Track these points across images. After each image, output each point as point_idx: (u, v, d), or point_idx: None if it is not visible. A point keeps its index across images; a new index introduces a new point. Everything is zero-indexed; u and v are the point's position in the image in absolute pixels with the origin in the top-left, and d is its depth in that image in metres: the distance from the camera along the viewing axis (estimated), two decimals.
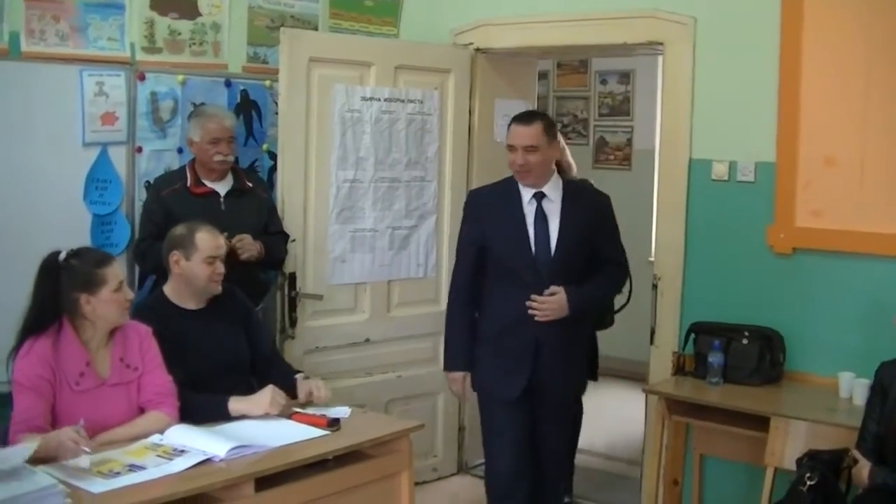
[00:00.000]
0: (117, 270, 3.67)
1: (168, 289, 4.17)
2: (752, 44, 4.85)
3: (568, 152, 5.41)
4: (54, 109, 4.68)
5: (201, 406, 3.84)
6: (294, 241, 5.14)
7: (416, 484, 4.03)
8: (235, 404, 3.86)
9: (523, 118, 4.31)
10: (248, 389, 4.09)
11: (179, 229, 4.15)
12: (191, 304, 4.14)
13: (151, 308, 4.14)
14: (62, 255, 3.63)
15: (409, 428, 3.92)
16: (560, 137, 4.87)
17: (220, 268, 4.11)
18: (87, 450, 3.18)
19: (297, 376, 4.17)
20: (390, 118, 5.49)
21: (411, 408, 5.58)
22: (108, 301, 3.61)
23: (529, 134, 4.22)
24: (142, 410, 3.72)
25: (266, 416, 3.84)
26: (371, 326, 5.56)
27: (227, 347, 4.16)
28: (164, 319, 4.02)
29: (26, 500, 2.89)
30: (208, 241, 4.08)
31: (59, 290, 3.58)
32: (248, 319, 4.34)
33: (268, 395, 3.89)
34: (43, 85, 4.62)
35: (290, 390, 4.06)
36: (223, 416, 3.84)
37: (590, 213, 4.37)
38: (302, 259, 5.23)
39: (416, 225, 5.67)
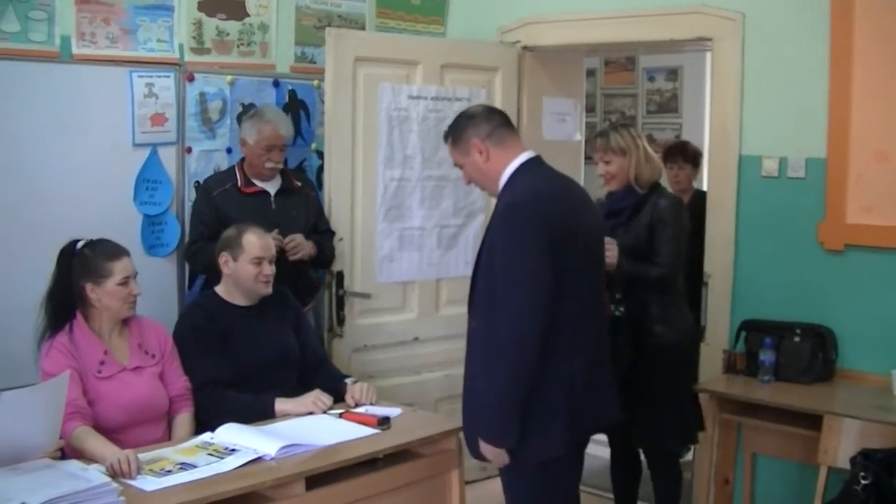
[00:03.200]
0: (126, 264, 3.79)
1: (220, 288, 4.25)
2: (802, 38, 4.80)
3: (637, 145, 4.66)
4: (105, 111, 4.72)
5: (248, 406, 3.91)
6: (342, 239, 5.15)
7: (465, 483, 4.02)
8: (281, 405, 3.94)
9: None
10: (297, 386, 4.14)
11: (229, 231, 4.23)
12: (241, 301, 4.21)
13: (200, 305, 4.25)
14: (79, 245, 3.81)
15: (459, 427, 3.87)
16: (640, 143, 4.57)
17: (268, 269, 4.16)
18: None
19: (347, 381, 4.20)
20: (437, 116, 5.48)
21: (460, 407, 5.55)
22: (112, 293, 3.76)
23: (450, 153, 3.73)
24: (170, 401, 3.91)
25: (311, 413, 3.90)
26: (419, 325, 5.56)
27: (277, 342, 4.21)
28: (213, 315, 4.14)
29: (80, 498, 2.93)
30: (255, 242, 4.15)
31: (70, 277, 3.77)
32: (298, 322, 4.38)
33: (311, 398, 3.96)
34: (93, 87, 4.67)
35: (337, 393, 4.09)
36: (268, 415, 3.90)
37: (493, 220, 3.53)
38: (350, 258, 5.24)
39: (464, 223, 5.66)
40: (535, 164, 3.60)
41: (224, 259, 4.18)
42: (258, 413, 3.88)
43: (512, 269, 3.32)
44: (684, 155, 6.12)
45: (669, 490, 4.75)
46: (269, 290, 4.19)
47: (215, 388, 3.97)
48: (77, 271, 3.76)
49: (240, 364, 4.06)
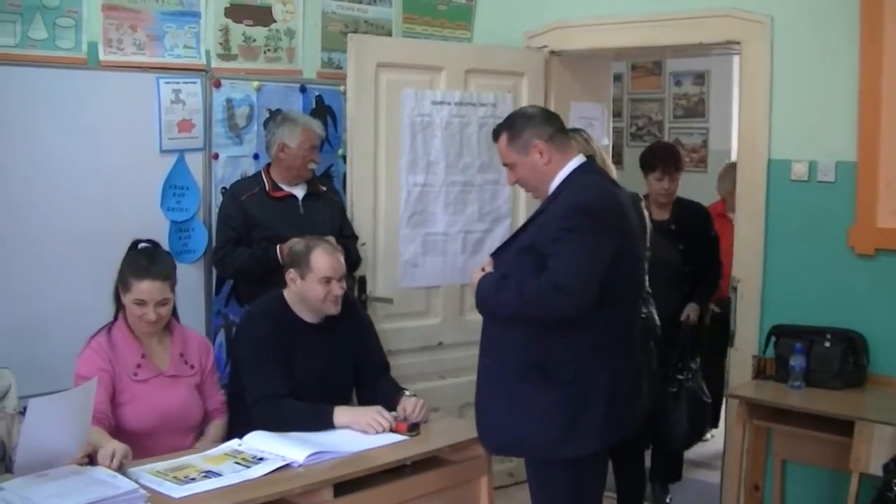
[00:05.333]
0: (146, 288, 3.72)
1: (287, 294, 4.11)
2: (832, 41, 4.76)
3: (593, 150, 4.51)
4: (132, 117, 4.72)
5: (308, 416, 3.81)
6: (364, 244, 5.14)
7: (494, 489, 4.01)
8: (340, 417, 3.81)
9: (492, 136, 3.80)
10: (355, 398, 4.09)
11: (297, 245, 4.12)
12: (308, 317, 4.09)
13: (267, 312, 4.10)
14: (140, 244, 3.87)
15: None
16: (594, 146, 4.50)
17: (337, 289, 4.02)
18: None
19: (405, 392, 4.08)
20: (461, 122, 5.48)
21: None
22: (129, 307, 3.76)
23: (500, 151, 3.73)
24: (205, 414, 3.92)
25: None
26: (444, 330, 5.55)
27: (333, 369, 4.10)
28: (280, 329, 4.01)
29: None
30: (324, 261, 4.01)
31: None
32: (361, 331, 4.28)
33: (370, 416, 3.80)
34: (121, 93, 4.67)
35: (392, 405, 3.98)
36: (327, 426, 3.80)
37: (550, 217, 3.52)
38: (372, 263, 5.24)
39: (490, 229, 5.64)
40: (590, 168, 3.67)
41: (291, 276, 4.04)
42: (317, 424, 3.78)
43: (576, 251, 3.35)
44: (677, 165, 5.66)
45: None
46: (337, 309, 4.05)
47: (271, 400, 3.83)
48: (119, 273, 3.80)
49: (296, 384, 3.93)
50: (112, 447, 3.25)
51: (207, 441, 3.80)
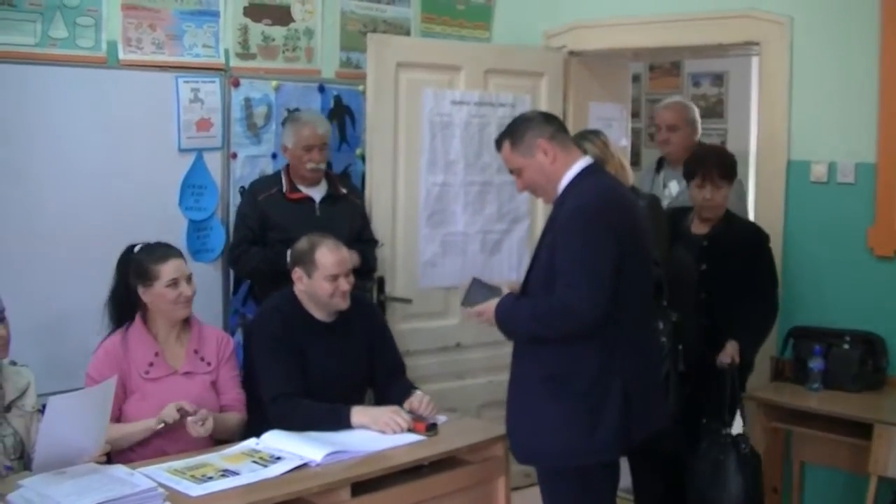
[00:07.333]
0: (175, 266, 3.81)
1: (298, 292, 4.09)
2: (852, 42, 4.75)
3: (612, 153, 4.41)
4: (151, 116, 4.73)
5: (324, 415, 3.81)
6: (382, 245, 5.14)
7: (511, 489, 4.00)
8: (357, 417, 3.81)
9: (495, 146, 3.75)
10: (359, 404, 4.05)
11: (301, 244, 4.09)
12: (320, 315, 4.08)
13: (279, 309, 4.08)
14: (135, 249, 3.88)
15: (505, 433, 3.86)
16: (613, 149, 4.41)
17: (344, 284, 4.01)
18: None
19: (415, 392, 4.08)
20: (480, 122, 5.47)
21: (503, 413, 5.52)
22: (161, 295, 3.79)
23: (505, 160, 3.70)
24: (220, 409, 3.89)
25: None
26: (462, 331, 5.51)
27: (347, 369, 4.08)
28: (292, 327, 4.00)
29: (126, 503, 2.93)
30: (329, 257, 3.99)
31: (128, 281, 3.84)
32: (376, 333, 4.26)
33: (387, 417, 3.79)
34: (140, 92, 4.68)
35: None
36: (344, 426, 3.79)
37: (556, 224, 3.53)
38: (391, 263, 5.24)
39: (509, 229, 5.63)
40: (595, 170, 3.64)
41: (297, 275, 4.03)
42: (335, 423, 3.77)
43: (580, 263, 3.36)
44: (721, 170, 4.69)
45: None
46: (346, 304, 4.03)
47: (289, 398, 3.82)
48: (132, 275, 3.82)
49: (310, 384, 3.91)
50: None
51: (220, 420, 3.77)
